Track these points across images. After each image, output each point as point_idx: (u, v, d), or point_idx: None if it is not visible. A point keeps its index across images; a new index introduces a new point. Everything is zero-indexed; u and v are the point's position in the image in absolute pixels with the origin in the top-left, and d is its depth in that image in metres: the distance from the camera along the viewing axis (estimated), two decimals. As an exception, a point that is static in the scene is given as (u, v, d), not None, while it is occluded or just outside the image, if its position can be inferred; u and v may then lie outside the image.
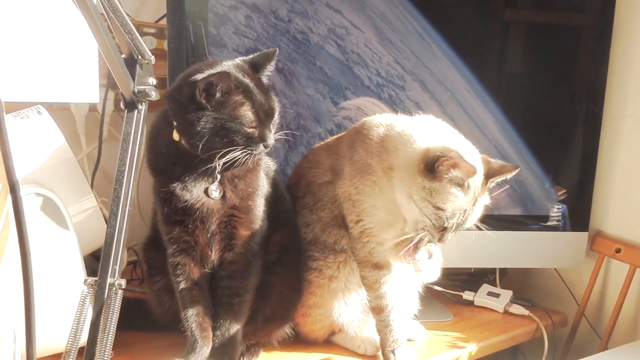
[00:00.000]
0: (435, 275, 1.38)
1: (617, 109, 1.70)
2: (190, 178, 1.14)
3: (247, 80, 1.13)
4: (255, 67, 1.18)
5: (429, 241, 1.22)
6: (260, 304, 1.27)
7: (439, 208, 1.15)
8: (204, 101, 1.08)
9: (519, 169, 1.21)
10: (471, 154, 1.19)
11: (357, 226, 1.26)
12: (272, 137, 1.16)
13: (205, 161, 1.12)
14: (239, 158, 1.11)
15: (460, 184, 1.14)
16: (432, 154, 1.15)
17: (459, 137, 1.23)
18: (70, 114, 1.65)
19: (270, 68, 1.20)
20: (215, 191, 1.15)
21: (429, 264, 1.31)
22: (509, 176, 1.21)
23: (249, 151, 1.12)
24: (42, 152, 1.24)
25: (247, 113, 1.12)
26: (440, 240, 1.19)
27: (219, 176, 1.15)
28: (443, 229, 1.17)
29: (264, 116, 1.14)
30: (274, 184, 1.28)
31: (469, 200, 1.16)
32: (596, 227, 1.76)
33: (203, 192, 1.15)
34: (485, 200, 1.22)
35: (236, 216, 1.18)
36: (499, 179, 1.21)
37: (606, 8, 1.64)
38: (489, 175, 1.19)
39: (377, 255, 1.27)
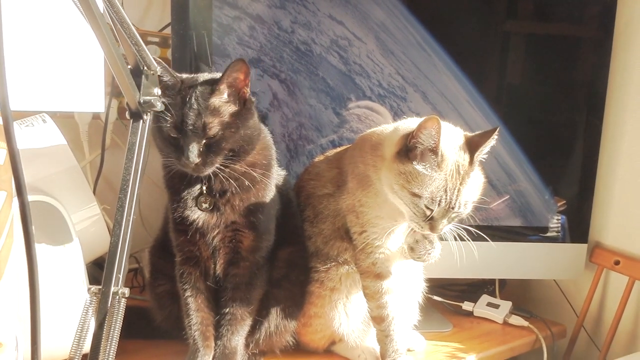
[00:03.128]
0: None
1: (616, 121, 1.71)
2: (186, 190, 1.15)
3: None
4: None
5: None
6: (264, 315, 1.27)
7: (415, 194, 1.13)
8: None
9: (498, 128, 1.14)
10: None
11: (360, 237, 1.27)
12: (194, 154, 1.06)
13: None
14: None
15: (434, 156, 1.11)
16: (405, 133, 1.15)
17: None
18: (74, 122, 1.66)
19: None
20: (204, 203, 1.15)
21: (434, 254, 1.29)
22: (492, 142, 1.15)
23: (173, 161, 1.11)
24: (46, 160, 1.24)
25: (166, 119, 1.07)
26: (431, 230, 1.15)
27: (204, 188, 1.15)
28: (430, 219, 1.14)
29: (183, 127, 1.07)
30: (287, 201, 1.30)
31: (448, 177, 1.12)
32: (595, 239, 1.77)
33: (195, 205, 1.16)
34: (477, 180, 1.17)
35: (240, 231, 1.18)
36: (485, 148, 1.15)
37: (606, 20, 1.64)
38: (471, 147, 1.14)
39: (380, 265, 1.28)
